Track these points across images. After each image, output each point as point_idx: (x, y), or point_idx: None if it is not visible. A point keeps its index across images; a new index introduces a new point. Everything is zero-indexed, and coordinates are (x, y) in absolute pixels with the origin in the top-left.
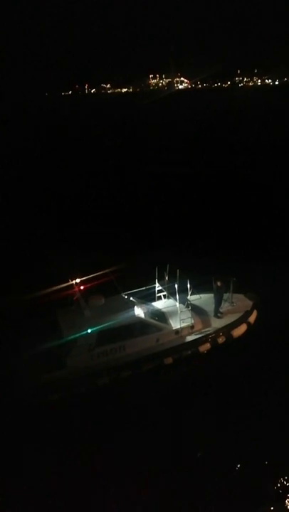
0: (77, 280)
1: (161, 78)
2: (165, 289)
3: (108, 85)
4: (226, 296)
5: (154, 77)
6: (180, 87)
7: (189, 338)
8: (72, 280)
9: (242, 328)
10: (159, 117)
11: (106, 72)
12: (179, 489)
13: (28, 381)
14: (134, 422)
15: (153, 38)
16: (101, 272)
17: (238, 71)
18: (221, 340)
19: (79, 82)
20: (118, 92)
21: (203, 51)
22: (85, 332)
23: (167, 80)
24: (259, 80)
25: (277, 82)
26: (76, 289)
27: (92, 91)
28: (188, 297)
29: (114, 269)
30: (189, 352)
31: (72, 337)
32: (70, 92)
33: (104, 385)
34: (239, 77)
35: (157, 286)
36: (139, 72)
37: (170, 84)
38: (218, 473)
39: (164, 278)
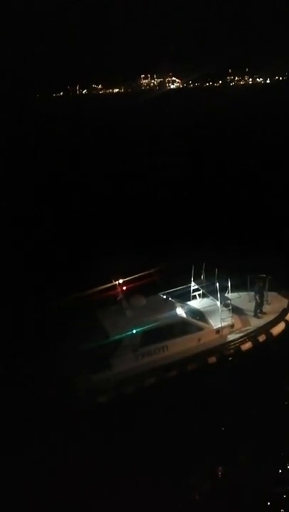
0: (120, 281)
1: (152, 78)
2: (203, 288)
3: (100, 86)
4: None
5: (146, 77)
6: (172, 86)
7: (230, 338)
8: (115, 281)
9: (281, 326)
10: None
11: (97, 73)
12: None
13: (76, 383)
14: (182, 422)
15: (145, 38)
16: (143, 273)
17: (230, 70)
18: (261, 338)
19: (70, 83)
20: (110, 92)
21: (195, 51)
22: (129, 332)
23: (159, 80)
24: (250, 79)
25: (268, 81)
26: (119, 289)
27: (83, 92)
28: (228, 296)
29: (153, 270)
30: (232, 351)
31: (116, 337)
32: (61, 93)
33: (151, 385)
34: (231, 76)
35: (193, 286)
36: (131, 73)
37: (162, 84)
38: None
39: (201, 277)
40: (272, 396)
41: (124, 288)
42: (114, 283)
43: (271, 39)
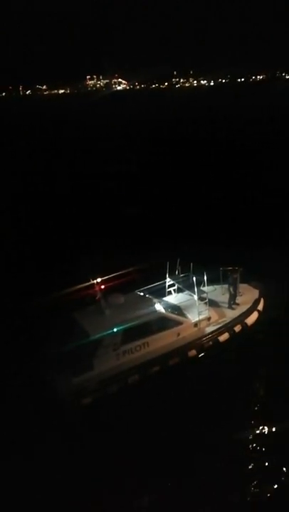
0: (98, 280)
1: (98, 79)
2: (179, 283)
3: (44, 86)
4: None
5: (92, 78)
6: (118, 88)
7: (208, 330)
8: (92, 280)
9: (254, 316)
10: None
11: (41, 73)
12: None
13: (58, 386)
14: (168, 417)
15: (90, 39)
16: (120, 272)
17: (174, 72)
18: (237, 329)
19: (13, 83)
20: (55, 93)
21: (141, 52)
22: (110, 331)
23: (105, 81)
24: (195, 81)
25: (212, 83)
26: (97, 288)
27: (27, 92)
28: (204, 289)
29: (131, 268)
30: (210, 343)
31: (97, 337)
32: (3, 94)
33: (134, 383)
34: (176, 78)
35: (169, 281)
36: (76, 73)
37: (108, 86)
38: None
39: (177, 272)
40: (252, 383)
41: (102, 287)
42: (92, 282)
43: (216, 42)
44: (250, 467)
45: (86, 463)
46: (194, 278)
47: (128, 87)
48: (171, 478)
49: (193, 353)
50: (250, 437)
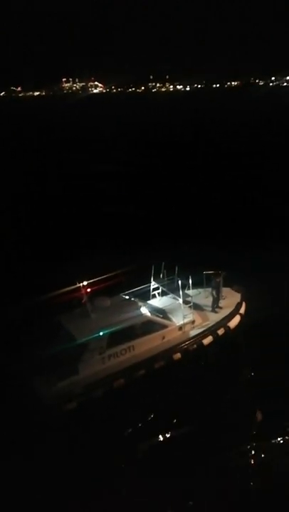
0: (84, 283)
1: (74, 82)
2: (164, 286)
3: (19, 88)
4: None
5: (67, 81)
6: (94, 91)
7: (192, 333)
8: (79, 283)
9: (237, 319)
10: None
11: (15, 75)
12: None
13: (43, 390)
14: (154, 421)
15: (66, 42)
16: (107, 275)
17: (151, 77)
18: (220, 332)
19: None
20: (30, 95)
21: (118, 56)
22: (96, 335)
23: (81, 84)
24: (171, 86)
25: (188, 88)
26: (83, 291)
27: (1, 94)
28: (189, 293)
29: (119, 271)
30: (194, 346)
31: (83, 341)
32: None
33: (120, 386)
34: (152, 82)
35: (153, 285)
36: (51, 76)
37: (84, 88)
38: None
39: (162, 276)
40: (235, 386)
41: (88, 290)
42: (78, 285)
43: (192, 48)
44: (236, 467)
45: (71, 468)
46: (179, 281)
47: (104, 91)
48: (157, 480)
49: (178, 356)
50: (236, 438)
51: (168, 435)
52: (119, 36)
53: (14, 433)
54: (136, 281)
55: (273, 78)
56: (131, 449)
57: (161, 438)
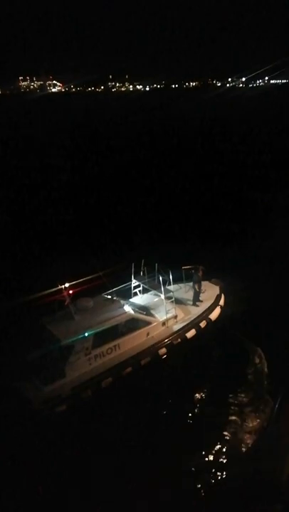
0: (66, 285)
1: (32, 81)
2: (146, 283)
3: None
4: None
5: (24, 80)
6: (53, 90)
7: (175, 328)
8: (61, 285)
9: (217, 311)
10: None
11: None
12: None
13: (29, 395)
14: (144, 417)
15: (23, 40)
16: (89, 277)
17: (110, 76)
18: (202, 324)
19: None
20: None
21: (77, 56)
22: (82, 336)
23: (39, 83)
24: (131, 86)
25: (148, 88)
26: (65, 293)
27: None
28: (170, 288)
29: (101, 273)
30: (179, 340)
31: (68, 343)
32: None
33: (108, 386)
34: (112, 82)
35: (134, 282)
36: (7, 74)
37: (42, 87)
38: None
39: (142, 273)
40: (221, 377)
41: (71, 292)
42: (60, 287)
43: (151, 49)
44: (227, 463)
45: (64, 472)
46: (160, 278)
47: (63, 90)
48: (150, 478)
49: (163, 351)
50: (230, 429)
51: (156, 432)
52: (79, 36)
53: (5, 440)
54: (116, 280)
55: (230, 79)
56: (119, 449)
57: (149, 435)
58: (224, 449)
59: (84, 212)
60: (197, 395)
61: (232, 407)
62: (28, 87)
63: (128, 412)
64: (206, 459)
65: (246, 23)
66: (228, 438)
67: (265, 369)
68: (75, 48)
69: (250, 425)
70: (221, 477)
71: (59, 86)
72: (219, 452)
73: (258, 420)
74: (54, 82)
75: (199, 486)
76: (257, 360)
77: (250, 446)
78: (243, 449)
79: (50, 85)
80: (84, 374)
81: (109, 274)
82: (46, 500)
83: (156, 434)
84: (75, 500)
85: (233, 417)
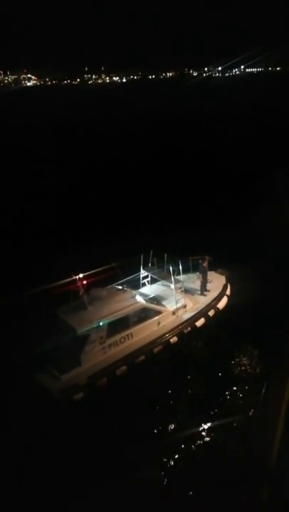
0: (80, 275)
1: (6, 75)
2: (155, 273)
3: None
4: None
5: None
6: (28, 84)
7: (185, 317)
8: (75, 275)
9: (224, 301)
10: None
11: None
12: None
13: (47, 384)
14: (162, 404)
15: None
16: (103, 267)
17: (86, 68)
18: (211, 313)
19: None
20: None
21: (52, 48)
22: (96, 325)
23: (13, 77)
24: (107, 78)
25: (124, 80)
26: (79, 284)
27: None
28: (180, 279)
29: (114, 264)
30: (189, 329)
31: (84, 332)
32: None
33: (123, 374)
34: (88, 74)
35: (143, 273)
36: None
37: (17, 81)
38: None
39: (151, 264)
40: (233, 364)
41: (84, 282)
42: (74, 278)
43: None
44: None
45: (84, 459)
46: (171, 268)
47: (39, 83)
48: (166, 469)
49: (174, 339)
50: (240, 419)
51: (173, 420)
52: (53, 27)
53: (26, 430)
54: (127, 270)
55: (206, 69)
56: (137, 436)
57: (166, 423)
58: (220, 429)
59: (93, 206)
60: (212, 383)
61: (228, 393)
62: (2, 81)
63: (144, 399)
64: (199, 441)
65: (221, 12)
66: (223, 421)
67: (260, 357)
68: (49, 40)
69: (241, 410)
70: (214, 460)
71: (34, 79)
72: (215, 431)
73: (248, 406)
74: (29, 75)
75: (191, 469)
76: (255, 350)
77: (240, 430)
78: (235, 434)
79: (24, 79)
80: (99, 363)
81: (121, 265)
82: (63, 490)
83: (170, 423)
84: (93, 490)
85: (228, 403)
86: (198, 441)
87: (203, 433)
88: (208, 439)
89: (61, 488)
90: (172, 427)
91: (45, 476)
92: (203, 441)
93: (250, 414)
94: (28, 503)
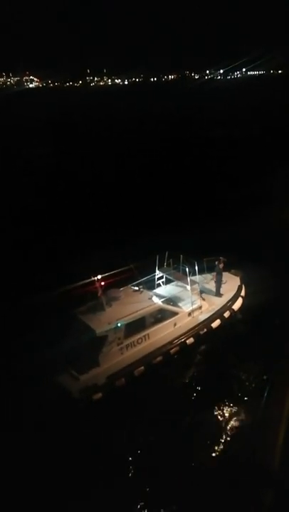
0: (98, 276)
1: (8, 77)
2: (170, 274)
3: None
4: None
5: (0, 76)
6: (31, 85)
7: (201, 318)
8: (93, 277)
9: (239, 302)
10: None
11: None
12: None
13: (67, 384)
14: (179, 405)
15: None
16: (120, 269)
17: (88, 71)
18: (226, 315)
19: None
20: None
21: (54, 50)
22: (114, 326)
23: (16, 79)
24: (109, 80)
25: (126, 82)
26: (97, 285)
27: None
28: (195, 279)
29: (131, 265)
30: (205, 330)
31: (102, 333)
32: None
33: (141, 374)
34: (90, 76)
35: (158, 274)
36: None
37: (19, 83)
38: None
39: (167, 265)
40: (250, 365)
41: (102, 283)
42: (92, 279)
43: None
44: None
45: (102, 458)
46: (187, 269)
47: (41, 85)
48: (169, 470)
49: (190, 340)
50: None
51: (189, 419)
52: (56, 30)
53: (46, 429)
54: (142, 271)
55: (208, 72)
56: (156, 435)
57: (184, 424)
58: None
59: (111, 208)
60: (228, 384)
61: (234, 396)
62: (4, 83)
63: (161, 400)
64: (203, 444)
65: (223, 15)
66: (226, 424)
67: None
68: (51, 43)
69: (244, 414)
70: (216, 463)
71: (36, 81)
72: (222, 429)
73: (251, 410)
74: (31, 77)
75: (193, 471)
76: (266, 353)
77: (243, 433)
78: (239, 433)
79: (27, 81)
80: (117, 363)
81: (137, 266)
82: (80, 488)
83: (188, 423)
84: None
85: (233, 405)
86: (202, 444)
87: (207, 436)
88: (211, 442)
89: (77, 486)
90: (181, 428)
91: (63, 474)
92: (207, 444)
93: (253, 417)
94: (43, 501)
